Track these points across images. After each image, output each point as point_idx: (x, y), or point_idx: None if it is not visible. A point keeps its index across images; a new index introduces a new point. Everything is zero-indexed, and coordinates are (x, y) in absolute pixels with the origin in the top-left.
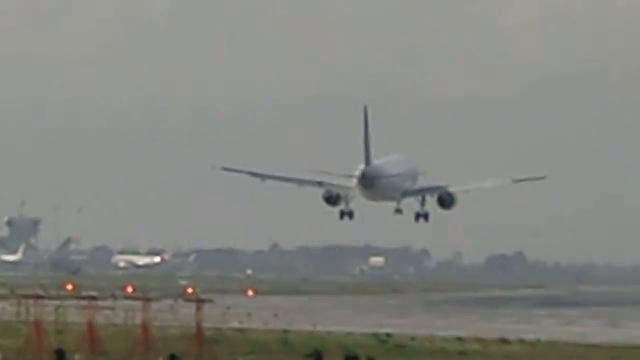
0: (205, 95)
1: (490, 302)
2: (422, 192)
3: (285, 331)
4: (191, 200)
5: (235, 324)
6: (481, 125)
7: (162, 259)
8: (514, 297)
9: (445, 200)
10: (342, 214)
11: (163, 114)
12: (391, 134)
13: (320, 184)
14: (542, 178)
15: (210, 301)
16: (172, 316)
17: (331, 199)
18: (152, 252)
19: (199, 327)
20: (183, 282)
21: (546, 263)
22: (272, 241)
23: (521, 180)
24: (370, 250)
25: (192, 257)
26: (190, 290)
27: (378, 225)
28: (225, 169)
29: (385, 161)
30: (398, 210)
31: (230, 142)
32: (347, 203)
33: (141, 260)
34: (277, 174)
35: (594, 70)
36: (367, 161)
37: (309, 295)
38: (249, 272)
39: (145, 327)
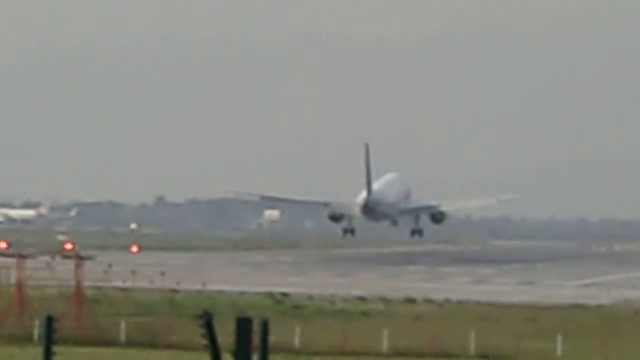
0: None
1: (396, 258)
2: (416, 211)
3: (173, 290)
4: (71, 149)
5: (118, 283)
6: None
7: (38, 213)
8: (422, 253)
9: (437, 218)
10: (345, 231)
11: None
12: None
13: (325, 204)
14: (522, 199)
15: (91, 258)
16: (50, 274)
17: (335, 218)
18: (28, 205)
19: (78, 286)
20: (61, 238)
21: (457, 216)
22: (158, 193)
23: (505, 201)
24: (264, 203)
25: (74, 211)
26: (69, 246)
27: (274, 174)
28: (236, 193)
29: (384, 186)
30: (394, 223)
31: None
32: (349, 221)
33: (16, 214)
34: (284, 196)
35: None
36: (369, 190)
37: (198, 251)
38: (133, 226)
39: (20, 286)
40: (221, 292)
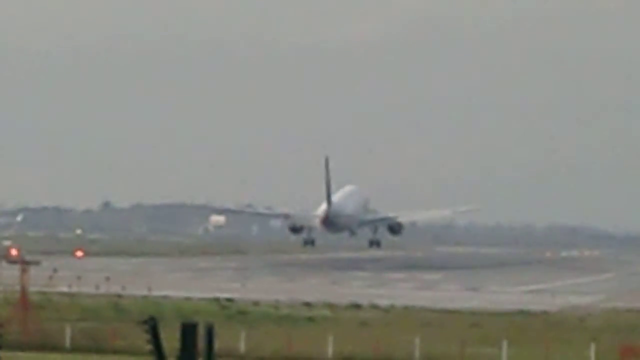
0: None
1: (341, 264)
2: (375, 222)
3: (118, 296)
4: (16, 154)
5: (64, 288)
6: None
7: None
8: (367, 259)
9: (395, 229)
10: (306, 242)
11: None
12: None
13: (286, 216)
14: (478, 210)
15: (37, 263)
16: None
17: (295, 229)
18: None
19: (23, 292)
20: (6, 243)
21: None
22: (103, 199)
23: (462, 212)
24: (210, 209)
25: (20, 217)
26: (14, 251)
27: (218, 182)
28: (203, 207)
29: (343, 198)
30: (353, 234)
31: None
32: (309, 233)
33: None
34: (248, 209)
35: None
36: (329, 202)
37: (144, 256)
38: (78, 231)
39: None
40: (166, 297)
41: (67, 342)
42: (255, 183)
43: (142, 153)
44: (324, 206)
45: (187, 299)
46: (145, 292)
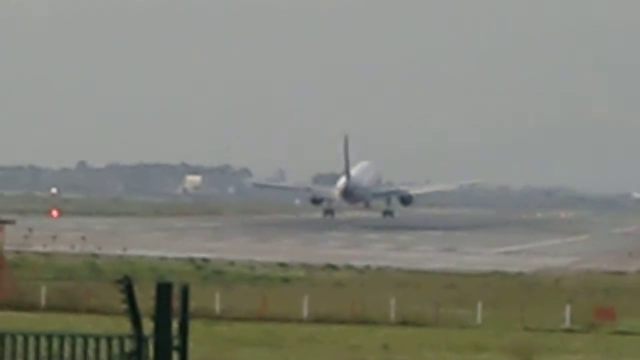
0: None
1: (316, 225)
2: (388, 194)
3: (94, 255)
4: None
5: (39, 248)
6: None
7: None
8: (342, 220)
9: (406, 200)
10: (326, 212)
11: None
12: None
13: (308, 190)
14: (480, 182)
15: (12, 222)
16: None
17: (316, 201)
18: None
19: None
20: None
21: None
22: (79, 158)
23: (465, 185)
24: (186, 169)
25: None
26: None
27: (194, 141)
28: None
29: (359, 172)
30: (367, 205)
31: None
32: (329, 204)
33: None
34: (274, 184)
35: None
36: (347, 176)
37: (119, 216)
38: (54, 191)
39: None
40: (142, 257)
41: (43, 301)
42: (231, 143)
43: (118, 112)
44: (343, 179)
45: (163, 258)
46: (120, 252)
